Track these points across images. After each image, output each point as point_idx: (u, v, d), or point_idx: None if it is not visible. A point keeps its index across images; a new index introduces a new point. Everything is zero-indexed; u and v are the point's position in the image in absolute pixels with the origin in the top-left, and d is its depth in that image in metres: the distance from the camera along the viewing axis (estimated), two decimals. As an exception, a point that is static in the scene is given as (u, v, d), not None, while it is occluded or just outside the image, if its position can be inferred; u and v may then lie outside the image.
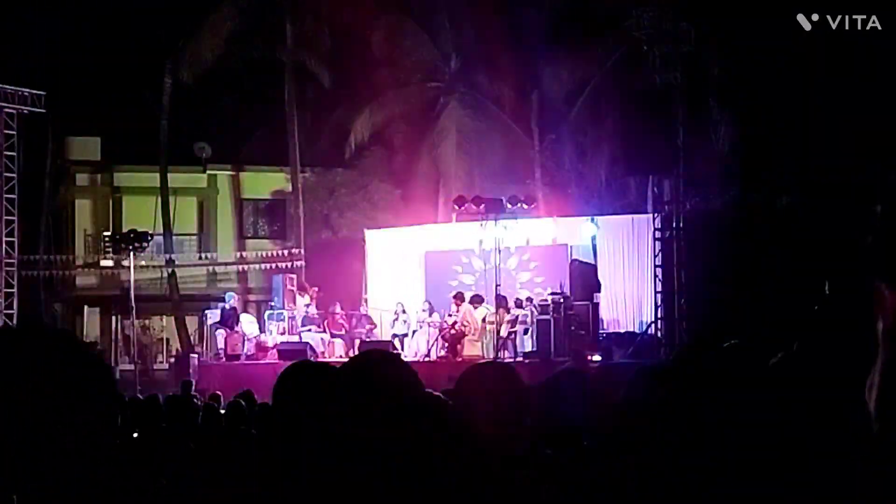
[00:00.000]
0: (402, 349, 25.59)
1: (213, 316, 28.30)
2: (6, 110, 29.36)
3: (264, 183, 40.20)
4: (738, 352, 4.76)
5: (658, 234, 25.80)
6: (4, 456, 1.78)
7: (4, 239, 29.56)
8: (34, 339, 1.89)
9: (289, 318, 27.71)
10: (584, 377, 4.04)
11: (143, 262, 32.26)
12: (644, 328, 25.48)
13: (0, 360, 1.83)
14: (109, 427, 1.92)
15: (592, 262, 26.46)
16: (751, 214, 26.81)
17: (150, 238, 29.26)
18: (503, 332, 24.63)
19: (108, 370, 1.95)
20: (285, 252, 35.85)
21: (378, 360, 2.73)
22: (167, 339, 38.55)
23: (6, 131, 29.41)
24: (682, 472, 3.16)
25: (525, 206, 26.25)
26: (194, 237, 39.72)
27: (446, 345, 25.07)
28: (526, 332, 24.77)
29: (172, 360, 29.05)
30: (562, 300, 24.24)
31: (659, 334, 25.14)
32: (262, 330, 27.62)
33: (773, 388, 3.37)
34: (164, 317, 38.23)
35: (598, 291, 25.63)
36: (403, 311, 26.89)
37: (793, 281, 23.95)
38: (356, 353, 22.21)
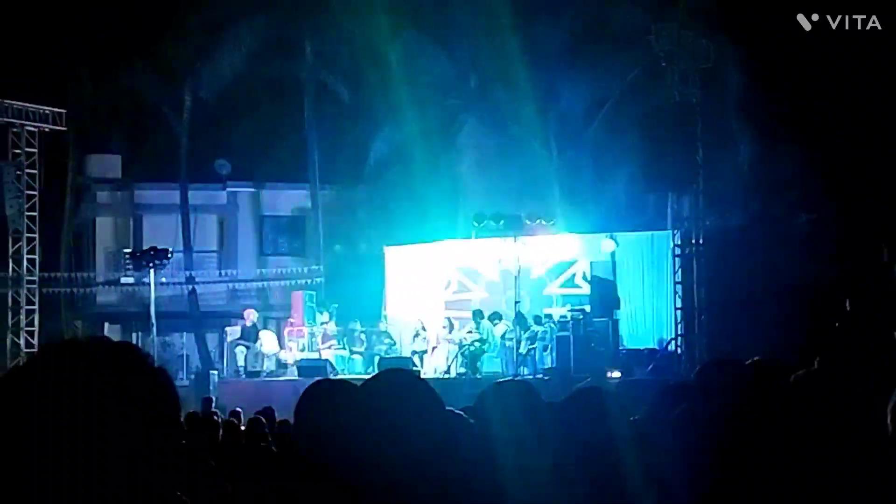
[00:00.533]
0: (422, 366, 25.59)
1: (234, 333, 28.35)
2: (27, 128, 29.51)
3: (284, 200, 40.28)
4: (760, 369, 4.76)
5: (677, 251, 25.75)
6: (65, 469, 1.79)
7: (26, 256, 29.69)
8: (99, 352, 1.90)
9: (308, 334, 27.76)
10: (604, 394, 4.04)
11: (163, 280, 32.33)
12: (664, 345, 25.41)
13: (65, 372, 1.84)
14: (172, 445, 1.93)
15: (612, 279, 26.43)
16: (771, 231, 26.74)
17: (170, 255, 29.34)
18: (522, 349, 24.61)
19: (172, 386, 1.96)
20: (305, 269, 35.89)
21: (398, 378, 2.74)
22: (187, 356, 38.61)
23: (27, 149, 29.54)
24: (707, 487, 3.16)
25: (544, 223, 26.25)
26: (214, 254, 39.81)
27: (466, 362, 25.06)
28: (545, 348, 24.75)
29: (193, 376, 29.09)
30: (581, 317, 24.22)
31: (679, 351, 25.07)
32: (281, 346, 27.66)
33: (796, 405, 3.36)
34: (185, 333, 38.29)
35: (618, 308, 25.60)
36: (423, 328, 26.89)
37: (813, 298, 23.88)
38: (376, 369, 22.23)
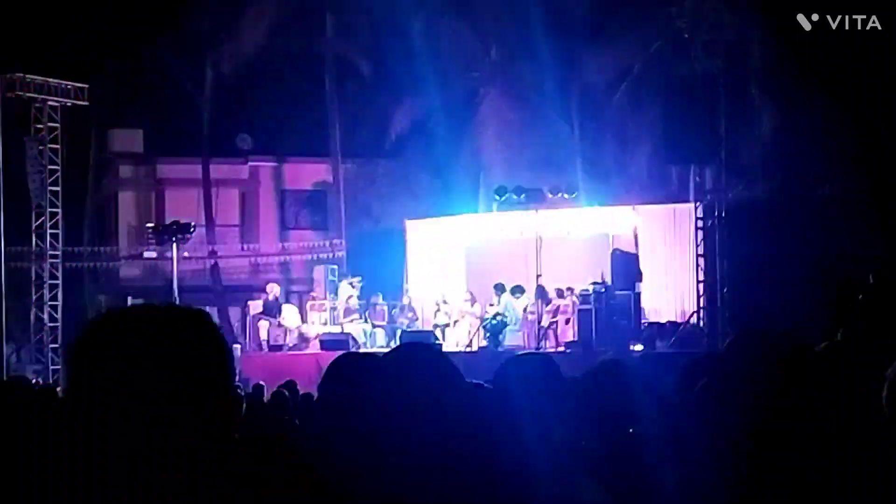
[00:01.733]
0: (444, 339, 25.62)
1: (256, 307, 28.43)
2: (49, 103, 29.58)
3: (306, 174, 40.29)
4: (791, 340, 4.74)
5: (700, 224, 25.67)
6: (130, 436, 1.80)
7: (49, 231, 29.81)
8: (171, 318, 1.92)
9: (330, 308, 27.81)
10: (625, 367, 4.03)
11: (186, 254, 32.42)
12: (686, 318, 25.36)
13: (139, 337, 1.85)
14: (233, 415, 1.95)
15: (634, 252, 26.38)
16: (794, 203, 26.62)
17: (192, 229, 29.42)
18: (544, 323, 24.62)
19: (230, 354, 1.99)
20: (327, 243, 35.93)
21: (417, 351, 2.74)
22: (210, 330, 38.68)
23: (50, 124, 29.62)
24: (733, 459, 3.15)
25: (566, 196, 26.20)
26: (236, 228, 39.89)
27: (488, 335, 25.08)
28: (567, 322, 24.75)
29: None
30: (603, 290, 24.20)
31: (701, 324, 25.02)
32: (304, 320, 27.73)
33: (819, 377, 3.35)
34: (207, 308, 38.40)
35: (640, 281, 25.54)
36: (445, 302, 26.90)
37: (836, 269, 23.78)
38: (398, 343, 22.27)
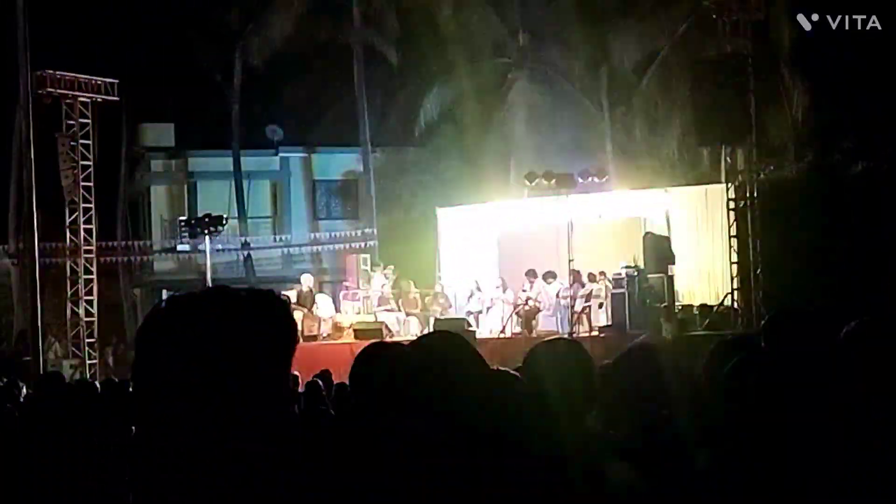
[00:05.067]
0: (477, 326, 25.61)
1: (290, 297, 28.49)
2: (80, 99, 29.71)
3: (336, 164, 40.40)
4: (826, 318, 4.72)
5: (732, 205, 25.54)
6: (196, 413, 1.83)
7: (83, 226, 29.96)
8: (241, 299, 1.94)
9: (363, 297, 27.85)
10: (656, 350, 4.02)
11: (219, 246, 32.57)
12: (720, 300, 25.25)
13: (209, 316, 1.88)
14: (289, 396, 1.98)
15: (666, 235, 26.28)
16: (826, 181, 26.47)
17: (225, 222, 29.51)
18: (577, 307, 24.57)
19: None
20: (358, 232, 36.00)
21: (440, 340, 2.76)
22: (244, 322, 38.86)
23: (81, 120, 29.76)
24: (766, 441, 3.14)
25: (597, 180, 26.11)
26: (268, 220, 40.06)
27: (521, 321, 25.06)
28: (601, 306, 24.70)
29: (250, 342, 29.20)
30: (636, 273, 24.13)
31: (735, 305, 24.91)
32: (337, 310, 27.78)
33: (850, 355, 3.34)
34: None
35: (673, 263, 25.44)
36: (478, 289, 26.89)
37: (870, 247, 23.64)
38: (431, 331, 22.29)
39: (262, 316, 1.89)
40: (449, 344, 2.63)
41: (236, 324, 1.86)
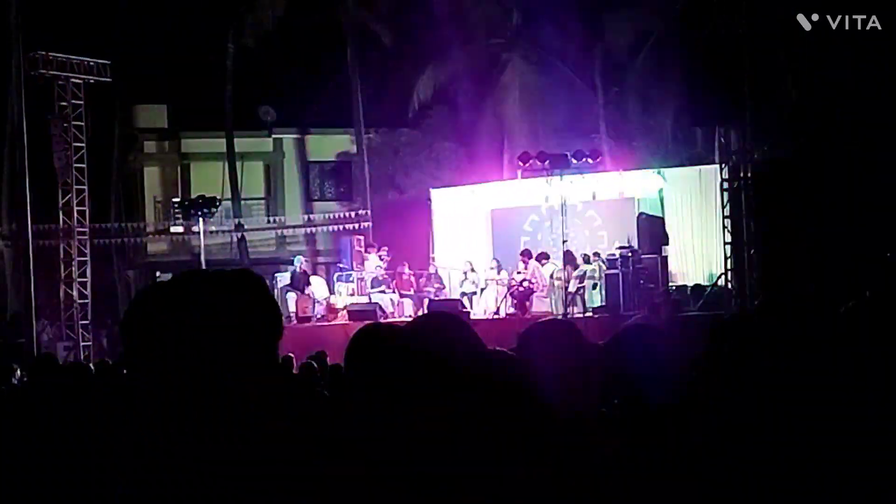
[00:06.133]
0: (471, 307, 25.63)
1: (283, 279, 28.50)
2: (72, 80, 29.60)
3: (329, 145, 40.35)
4: (819, 300, 4.71)
5: (726, 185, 25.53)
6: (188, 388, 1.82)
7: (76, 208, 29.90)
8: (224, 279, 1.94)
9: (358, 279, 27.86)
10: (651, 332, 4.01)
11: (212, 228, 32.55)
12: (713, 280, 25.29)
13: (193, 297, 1.88)
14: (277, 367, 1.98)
15: (660, 215, 26.29)
16: (821, 162, 26.44)
17: (218, 203, 29.50)
18: (572, 288, 24.58)
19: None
20: (352, 213, 35.98)
21: (435, 320, 2.76)
22: (238, 303, 38.80)
23: (73, 101, 29.66)
24: (760, 422, 3.14)
25: (590, 161, 26.09)
26: (262, 201, 40.01)
27: (515, 302, 25.08)
28: (595, 287, 24.71)
29: (244, 323, 29.19)
30: (630, 254, 24.14)
31: (729, 286, 24.94)
32: (331, 292, 27.78)
33: (846, 336, 3.33)
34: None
35: (667, 244, 25.47)
36: (472, 270, 26.89)
37: (865, 228, 23.65)
38: (425, 312, 22.29)
39: (241, 295, 1.90)
40: (447, 325, 2.63)
41: (218, 304, 1.87)
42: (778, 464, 3.00)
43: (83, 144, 29.79)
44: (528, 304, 25.06)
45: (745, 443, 3.10)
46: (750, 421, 3.16)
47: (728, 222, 25.32)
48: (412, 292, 27.12)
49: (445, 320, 2.66)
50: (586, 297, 24.68)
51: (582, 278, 24.81)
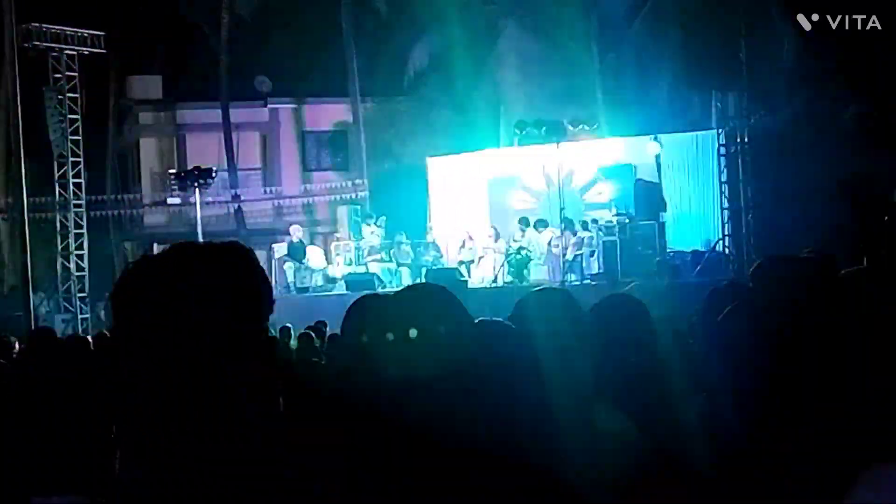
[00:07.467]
0: (469, 276, 25.64)
1: (281, 249, 28.51)
2: (67, 52, 29.54)
3: (325, 115, 40.22)
4: (815, 264, 4.71)
5: (723, 150, 25.51)
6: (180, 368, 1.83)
7: (72, 180, 29.89)
8: (215, 253, 1.94)
9: (355, 248, 27.86)
10: (633, 301, 4.00)
11: (209, 199, 32.50)
12: (711, 246, 25.29)
13: (181, 271, 1.88)
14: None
15: (657, 182, 26.26)
16: (817, 125, 26.40)
17: (214, 174, 29.47)
18: (569, 255, 24.59)
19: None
20: (349, 183, 35.93)
21: (421, 290, 2.76)
22: (236, 274, 38.79)
23: (68, 73, 29.60)
24: (756, 386, 3.14)
25: (587, 128, 26.07)
26: (258, 171, 39.93)
27: (513, 270, 25.08)
28: (592, 254, 24.71)
29: (242, 293, 29.22)
30: (627, 221, 24.13)
31: (727, 251, 24.95)
32: (329, 261, 27.79)
33: (846, 301, 3.32)
34: (233, 251, 38.42)
35: (664, 210, 25.46)
36: (470, 238, 26.88)
37: (861, 192, 23.64)
38: (423, 281, 22.31)
39: (230, 267, 1.90)
40: (427, 293, 2.63)
41: (207, 276, 1.87)
42: (771, 428, 3.00)
43: (78, 116, 29.76)
44: (525, 272, 25.06)
45: (738, 407, 3.11)
46: (746, 383, 3.16)
47: (725, 188, 25.33)
48: (410, 261, 27.12)
49: (431, 289, 2.65)
50: (584, 264, 24.68)
51: (579, 245, 24.81)
